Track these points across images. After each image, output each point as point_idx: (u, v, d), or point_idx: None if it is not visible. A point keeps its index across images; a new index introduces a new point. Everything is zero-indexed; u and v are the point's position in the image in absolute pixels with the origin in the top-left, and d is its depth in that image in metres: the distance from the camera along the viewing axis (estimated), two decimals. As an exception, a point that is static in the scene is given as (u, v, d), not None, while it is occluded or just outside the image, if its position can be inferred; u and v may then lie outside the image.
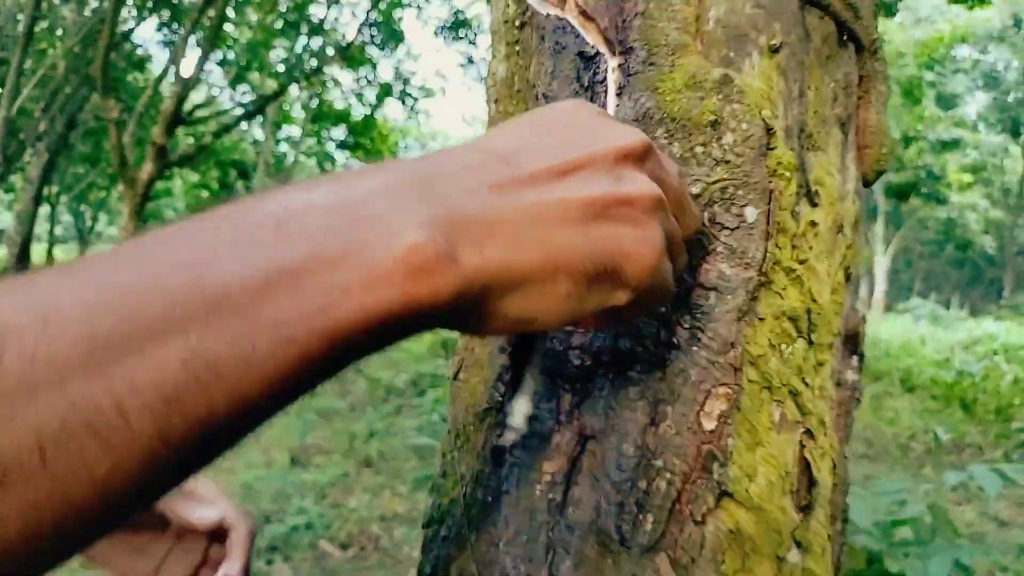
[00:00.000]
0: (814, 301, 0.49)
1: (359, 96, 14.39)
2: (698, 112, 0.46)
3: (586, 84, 0.49)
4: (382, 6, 11.00)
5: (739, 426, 0.45)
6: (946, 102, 20.96)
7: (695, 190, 0.45)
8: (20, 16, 12.14)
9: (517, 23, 0.59)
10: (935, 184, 17.20)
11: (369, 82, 13.77)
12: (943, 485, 2.84)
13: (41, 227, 22.70)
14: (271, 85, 12.30)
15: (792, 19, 0.49)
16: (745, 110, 0.45)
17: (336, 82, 14.28)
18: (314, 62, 10.75)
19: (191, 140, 13.21)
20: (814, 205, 0.49)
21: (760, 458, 0.45)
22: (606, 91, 0.48)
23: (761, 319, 0.46)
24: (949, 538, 2.68)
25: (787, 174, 0.47)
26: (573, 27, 0.50)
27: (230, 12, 11.56)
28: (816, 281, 0.49)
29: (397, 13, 11.94)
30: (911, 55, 12.70)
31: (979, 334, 12.83)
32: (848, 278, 0.53)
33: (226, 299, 0.25)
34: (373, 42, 11.56)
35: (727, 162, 0.45)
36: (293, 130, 16.09)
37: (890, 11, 8.55)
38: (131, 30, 12.16)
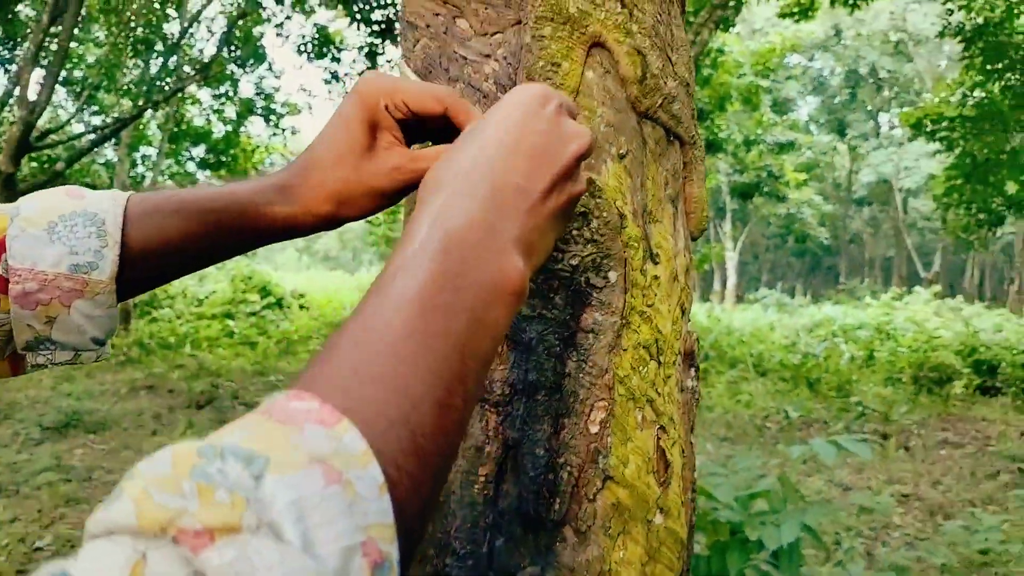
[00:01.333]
0: (660, 333, 0.68)
1: (219, 113, 13.93)
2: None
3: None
4: (241, 23, 10.72)
5: (614, 428, 0.63)
6: (781, 107, 22.94)
7: (574, 262, 0.63)
8: None
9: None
10: (775, 183, 18.82)
11: (230, 99, 13.37)
12: (791, 459, 3.20)
13: None
14: (125, 105, 11.70)
15: (632, 132, 0.68)
16: (605, 203, 0.64)
17: (195, 100, 13.76)
18: (171, 82, 10.32)
19: (39, 165, 12.37)
20: (656, 263, 0.69)
21: (630, 450, 0.64)
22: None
23: (624, 350, 0.65)
24: (798, 505, 3.03)
25: (635, 244, 0.66)
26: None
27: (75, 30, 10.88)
28: (661, 318, 0.68)
29: (257, 30, 11.67)
30: (748, 64, 13.86)
31: (820, 318, 14.05)
32: (684, 312, 0.73)
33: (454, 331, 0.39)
34: (233, 59, 11.26)
35: (595, 241, 0.64)
36: (149, 150, 15.35)
37: (727, 25, 9.32)
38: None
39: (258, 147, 15.05)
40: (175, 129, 13.55)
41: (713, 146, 13.30)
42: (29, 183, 7.85)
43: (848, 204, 36.15)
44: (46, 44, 7.32)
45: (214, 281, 16.67)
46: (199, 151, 15.07)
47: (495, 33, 0.70)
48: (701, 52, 8.09)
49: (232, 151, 14.46)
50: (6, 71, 12.20)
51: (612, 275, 0.64)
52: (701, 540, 3.23)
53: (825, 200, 30.79)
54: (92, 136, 9.12)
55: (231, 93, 13.40)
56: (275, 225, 0.58)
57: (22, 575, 3.95)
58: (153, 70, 10.73)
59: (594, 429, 0.62)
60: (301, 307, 15.95)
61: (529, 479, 0.61)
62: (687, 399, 0.74)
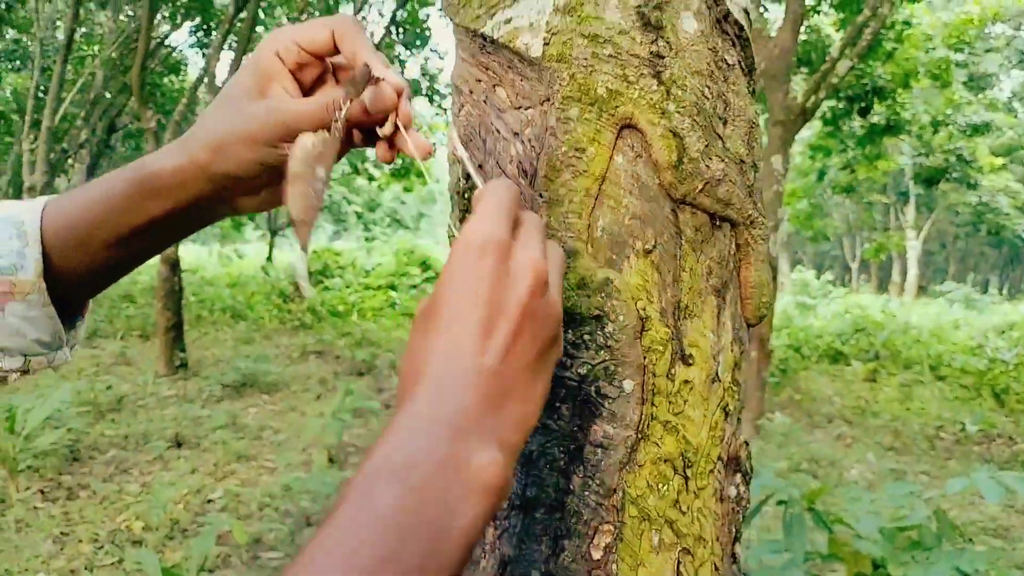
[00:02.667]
0: (688, 443, 0.62)
1: (387, 94, 14.50)
2: (585, 307, 0.59)
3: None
4: (408, 6, 11.10)
5: (622, 552, 0.58)
6: (978, 82, 20.34)
7: (583, 371, 0.59)
8: (59, 22, 12.53)
9: (465, 196, 0.73)
10: (965, 168, 16.74)
11: (397, 80, 13.87)
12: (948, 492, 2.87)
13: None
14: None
15: (664, 222, 0.62)
16: (622, 305, 0.58)
17: (365, 81, 14.40)
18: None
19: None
20: (689, 365, 0.62)
21: None
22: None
23: (640, 466, 0.59)
24: (955, 542, 2.73)
25: (660, 348, 0.60)
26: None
27: (260, 14, 11.80)
28: (692, 427, 0.62)
29: (423, 12, 12.06)
30: (940, 37, 12.41)
31: (1016, 318, 12.57)
32: (728, 414, 0.66)
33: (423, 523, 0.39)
34: (400, 40, 11.70)
35: (608, 347, 0.58)
36: (325, 130, 16.30)
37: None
38: (166, 36, 12.48)
39: (422, 127, 15.63)
40: (347, 109, 14.29)
41: (894, 127, 12.14)
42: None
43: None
44: (234, 27, 7.98)
45: (380, 254, 17.61)
46: (368, 131, 15.83)
47: (527, 108, 0.65)
48: (881, 27, 7.38)
49: (399, 131, 15.06)
50: (204, 56, 13.43)
51: (627, 384, 0.59)
52: (839, 569, 3.00)
53: (1027, 187, 27.36)
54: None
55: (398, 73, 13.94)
56: (166, 180, 0.56)
57: (198, 527, 4.40)
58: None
59: (597, 555, 0.57)
60: (458, 282, 16.44)
61: (523, 602, 0.57)
62: (729, 509, 0.67)
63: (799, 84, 10.43)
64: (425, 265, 16.30)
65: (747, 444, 0.68)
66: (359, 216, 20.58)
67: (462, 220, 0.75)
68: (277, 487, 5.06)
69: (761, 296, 0.68)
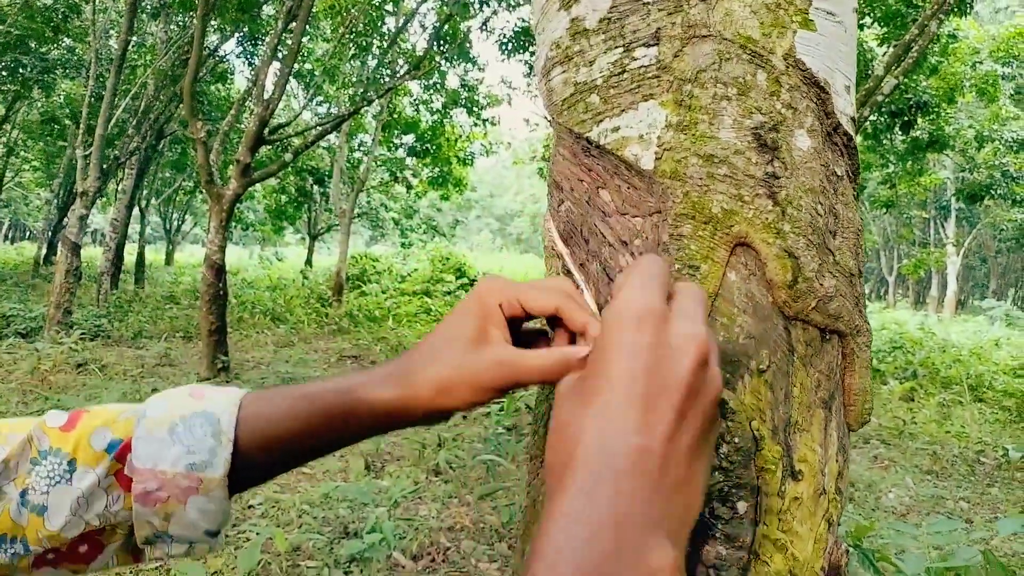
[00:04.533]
0: (796, 560, 0.62)
1: (426, 104, 14.74)
2: (701, 428, 0.60)
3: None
4: (451, 22, 11.21)
5: (731, 671, 0.59)
6: None
7: (697, 492, 0.59)
8: (113, 32, 12.86)
9: (563, 267, 0.74)
10: (1011, 185, 16.28)
11: (437, 90, 14.09)
12: (1000, 533, 2.81)
13: (132, 227, 24.07)
14: (345, 96, 12.75)
15: (778, 341, 0.63)
16: (736, 427, 0.59)
17: (406, 91, 14.66)
18: (387, 75, 11.08)
19: (273, 152, 13.83)
20: (798, 480, 0.63)
21: None
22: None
23: (751, 585, 0.60)
24: (1005, 586, 2.68)
25: (772, 467, 0.61)
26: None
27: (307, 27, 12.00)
28: (799, 541, 0.63)
29: (464, 25, 12.16)
30: (986, 50, 12.13)
31: (1061, 338, 12.23)
32: (830, 524, 0.66)
33: None
34: (441, 54, 11.82)
35: (723, 468, 0.59)
36: (365, 137, 16.58)
37: (965, 9, 8.27)
38: (216, 46, 12.76)
39: (460, 136, 15.76)
40: (388, 118, 14.52)
41: (938, 142, 11.89)
42: (262, 169, 8.79)
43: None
44: (283, 40, 8.12)
45: (416, 260, 17.74)
46: (408, 139, 16.06)
47: (635, 216, 0.67)
48: (928, 43, 7.25)
49: (437, 140, 15.26)
50: (251, 65, 13.70)
51: (741, 505, 0.60)
52: (885, 608, 2.96)
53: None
54: (316, 130, 10.00)
55: (439, 85, 14.11)
56: (378, 410, 0.59)
57: (239, 533, 4.47)
58: (371, 64, 11.55)
59: (709, 676, 0.58)
60: (492, 289, 16.51)
61: None
62: (829, 617, 0.67)
63: (843, 98, 10.26)
64: (459, 272, 16.39)
65: (848, 552, 0.69)
66: (396, 222, 20.81)
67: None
68: (316, 494, 5.12)
69: (864, 402, 0.69)
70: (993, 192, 16.75)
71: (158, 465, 0.56)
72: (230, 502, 0.59)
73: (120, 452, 0.57)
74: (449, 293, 15.66)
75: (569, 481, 0.40)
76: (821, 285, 0.63)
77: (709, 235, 0.62)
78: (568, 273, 0.75)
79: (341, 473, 5.78)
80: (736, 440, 0.59)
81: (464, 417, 7.45)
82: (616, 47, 0.70)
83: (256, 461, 0.59)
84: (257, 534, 4.11)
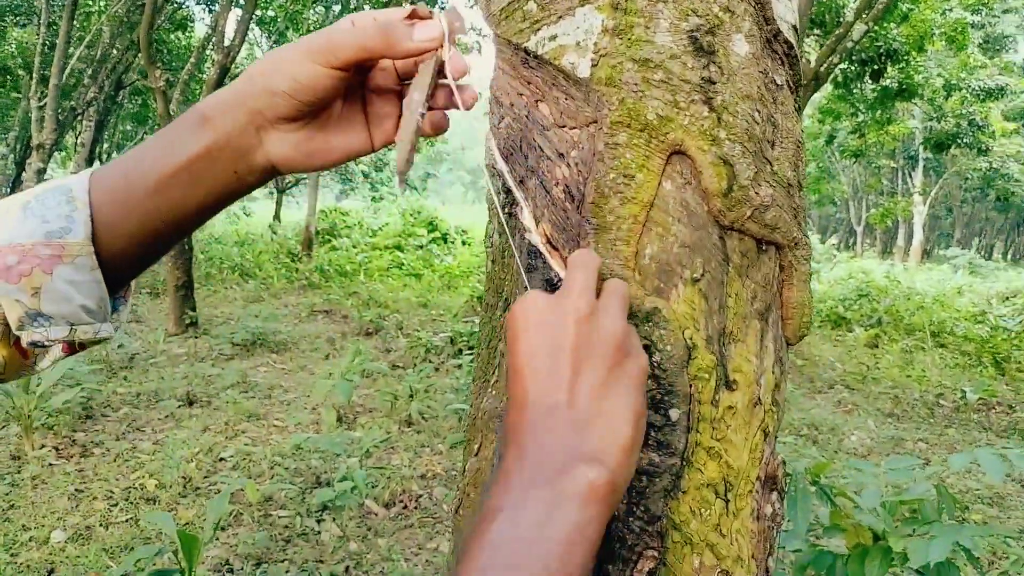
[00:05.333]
0: (730, 468, 0.62)
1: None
2: (633, 337, 0.59)
3: (550, 303, 0.63)
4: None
5: None
6: (994, 44, 19.81)
7: (630, 400, 0.59)
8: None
9: (507, 211, 0.73)
10: (977, 134, 16.41)
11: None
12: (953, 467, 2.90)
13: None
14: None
15: (712, 249, 0.62)
16: (669, 335, 0.59)
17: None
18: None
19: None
20: (732, 390, 0.63)
21: (681, 596, 0.60)
22: (566, 310, 0.62)
23: (684, 492, 0.60)
24: (955, 515, 2.78)
25: (706, 376, 0.61)
26: (541, 252, 0.63)
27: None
28: (734, 451, 0.63)
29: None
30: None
31: (1019, 285, 12.52)
32: (767, 435, 0.67)
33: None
34: (408, -2, 11.51)
35: (655, 376, 0.59)
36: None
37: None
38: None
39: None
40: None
41: (907, 91, 11.92)
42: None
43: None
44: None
45: (387, 214, 17.57)
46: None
47: (572, 128, 0.65)
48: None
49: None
50: (211, 11, 13.24)
51: (674, 413, 0.59)
52: (841, 541, 3.06)
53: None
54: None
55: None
56: (208, 110, 0.57)
57: (210, 485, 4.47)
58: (335, 9, 11.22)
59: (640, 578, 0.59)
60: (464, 243, 16.46)
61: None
62: (764, 527, 0.68)
63: (811, 45, 10.24)
64: (431, 226, 16.27)
65: (784, 463, 0.69)
66: (365, 176, 20.49)
67: (500, 234, 0.75)
68: (287, 446, 5.14)
69: (802, 316, 0.69)
70: (960, 141, 16.89)
71: (14, 240, 0.53)
72: (100, 274, 0.56)
73: None
74: (421, 247, 15.56)
75: (512, 436, 0.51)
76: (757, 194, 0.62)
77: (644, 143, 0.61)
78: (508, 192, 0.73)
79: (313, 425, 5.79)
80: (669, 348, 0.59)
81: (436, 369, 7.48)
82: (553, -49, 0.67)
83: (116, 222, 0.56)
84: (228, 485, 4.12)
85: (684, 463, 0.60)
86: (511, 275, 0.72)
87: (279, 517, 4.19)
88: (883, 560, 2.76)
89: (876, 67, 10.88)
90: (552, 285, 0.63)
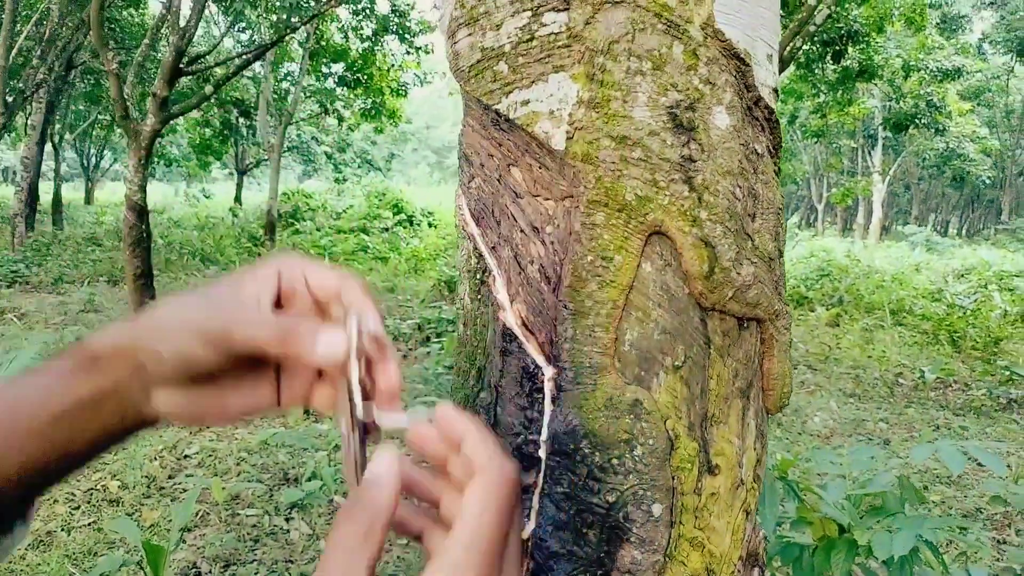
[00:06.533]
0: (713, 556, 0.61)
1: (356, 31, 14.10)
2: (615, 430, 0.57)
3: (527, 391, 0.60)
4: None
5: (646, 671, 0.58)
6: (950, 23, 20.10)
7: (611, 498, 0.57)
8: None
9: (478, 278, 0.70)
10: (935, 114, 16.67)
11: (366, 16, 13.45)
12: (914, 460, 2.97)
13: (46, 165, 22.73)
14: (269, 23, 12.11)
15: (694, 334, 0.59)
16: (651, 427, 0.57)
17: (334, 17, 13.98)
18: (313, 0, 10.51)
19: (195, 83, 13.11)
20: (714, 475, 0.61)
21: None
22: (543, 399, 0.59)
23: (666, 585, 0.58)
24: (917, 507, 2.84)
25: (688, 465, 0.58)
26: (517, 336, 0.60)
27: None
28: (717, 537, 0.61)
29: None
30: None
31: (974, 261, 12.83)
32: (748, 514, 0.65)
33: None
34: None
35: (637, 471, 0.57)
36: (292, 66, 15.85)
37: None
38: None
39: (393, 66, 15.20)
40: (316, 46, 13.88)
41: (867, 72, 12.06)
42: (181, 103, 8.33)
43: (1021, 134, 32.12)
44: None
45: (351, 196, 17.34)
46: (338, 68, 15.42)
47: (547, 199, 0.62)
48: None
49: (368, 69, 14.69)
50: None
51: (656, 508, 0.57)
52: (807, 531, 3.12)
53: (992, 130, 27.38)
54: (238, 60, 9.49)
55: (368, 10, 13.49)
56: (97, 350, 0.52)
57: (175, 484, 4.40)
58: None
59: (622, 676, 0.57)
60: (430, 225, 16.34)
61: None
62: (746, 603, 0.67)
63: (777, 28, 10.27)
64: (397, 208, 16.11)
65: (765, 538, 0.68)
66: (329, 157, 20.16)
67: (472, 300, 0.72)
68: (254, 441, 5.07)
69: (783, 387, 0.67)
70: (918, 121, 17.16)
71: None
72: None
73: None
74: (387, 230, 15.40)
75: None
76: (739, 274, 0.60)
77: (623, 224, 0.58)
78: (480, 256, 0.70)
79: (279, 420, 5.72)
80: (651, 442, 0.57)
81: (404, 357, 7.43)
82: (524, 10, 0.64)
83: (3, 462, 0.52)
84: (193, 485, 4.05)
85: (667, 559, 0.58)
86: (482, 343, 0.69)
87: (247, 516, 4.14)
88: (848, 552, 2.82)
89: (837, 48, 10.98)
90: (528, 373, 0.60)
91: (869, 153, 26.74)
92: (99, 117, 19.62)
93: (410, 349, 7.66)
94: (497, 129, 0.66)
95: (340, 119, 16.46)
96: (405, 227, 15.65)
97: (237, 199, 19.89)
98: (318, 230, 15.26)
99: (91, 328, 7.68)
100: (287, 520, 4.12)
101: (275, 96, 14.90)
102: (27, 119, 13.64)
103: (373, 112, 15.41)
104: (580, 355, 0.58)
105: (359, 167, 20.70)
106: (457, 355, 0.74)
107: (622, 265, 0.58)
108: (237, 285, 0.51)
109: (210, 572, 3.53)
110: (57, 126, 17.56)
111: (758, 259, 0.62)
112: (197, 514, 4.10)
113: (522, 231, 0.62)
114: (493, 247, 0.67)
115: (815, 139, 18.21)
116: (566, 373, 0.58)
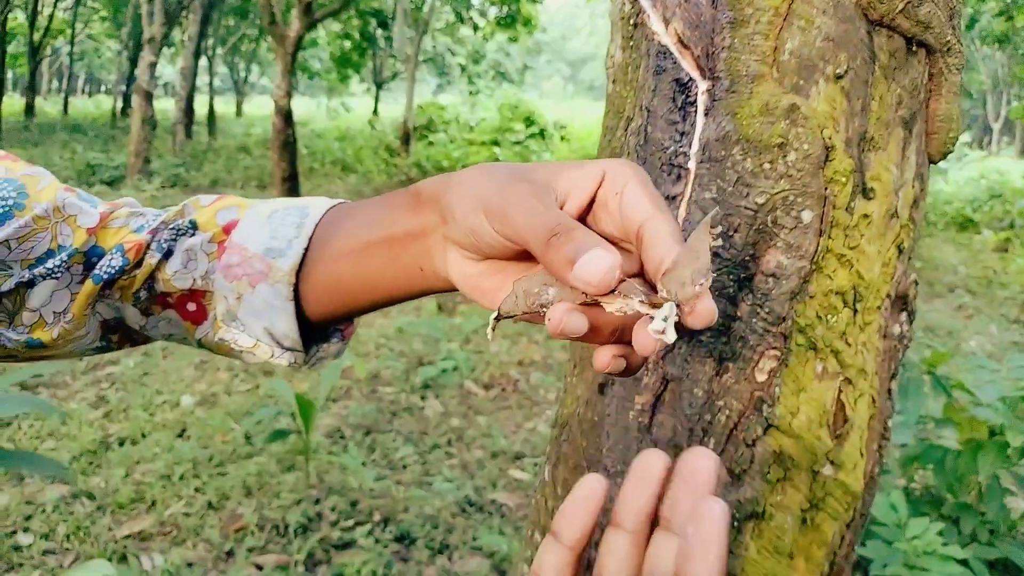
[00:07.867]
0: (861, 278, 0.61)
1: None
2: (768, 135, 0.57)
3: (680, 105, 0.61)
4: None
5: (786, 378, 0.60)
6: None
7: (760, 200, 0.58)
8: None
9: (632, 22, 0.70)
10: None
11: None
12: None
13: (200, 79, 24.19)
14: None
15: (859, 45, 0.58)
16: (807, 133, 0.56)
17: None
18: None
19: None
20: (869, 199, 0.60)
21: (802, 400, 0.60)
22: (696, 111, 0.60)
23: (811, 296, 0.59)
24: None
25: (843, 180, 0.58)
26: (672, 53, 0.61)
27: None
28: (866, 261, 0.61)
29: None
30: None
31: None
32: (901, 251, 0.64)
33: None
34: None
35: (790, 176, 0.57)
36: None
37: None
38: None
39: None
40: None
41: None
42: (323, 8, 8.53)
43: None
44: None
45: (484, 109, 17.40)
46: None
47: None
48: None
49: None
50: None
51: (806, 215, 0.58)
52: (952, 435, 2.97)
53: None
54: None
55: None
56: (422, 196, 0.52)
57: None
58: None
59: (761, 377, 0.59)
60: (562, 139, 16.17)
61: (685, 416, 0.60)
62: (891, 346, 0.67)
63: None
64: (529, 121, 16.02)
65: (916, 283, 0.67)
66: (463, 68, 20.22)
67: (623, 49, 0.72)
68: (391, 329, 5.36)
69: (948, 131, 0.64)
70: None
71: (246, 243, 0.56)
72: (292, 306, 0.55)
73: (227, 225, 0.58)
74: (518, 143, 15.40)
75: None
76: (912, -17, 0.57)
77: (789, -73, 0.56)
78: (634, 1, 0.70)
79: (415, 311, 6.00)
80: (805, 147, 0.57)
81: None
82: None
83: (324, 275, 0.55)
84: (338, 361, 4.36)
85: (813, 268, 0.59)
86: (633, 92, 0.70)
87: (385, 392, 4.43)
88: (999, 454, 2.67)
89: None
90: (682, 86, 0.61)
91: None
92: (246, 34, 20.54)
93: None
94: None
95: (475, 28, 16.37)
96: (537, 140, 15.58)
97: (375, 112, 20.46)
98: (451, 142, 15.48)
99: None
100: (422, 399, 4.38)
101: (412, 5, 14.98)
102: (183, 32, 14.49)
103: (508, 20, 15.20)
104: (737, 63, 0.58)
105: (492, 79, 20.65)
106: (605, 115, 0.75)
107: (786, -31, 0.57)
108: (555, 174, 0.46)
109: (352, 436, 3.84)
110: (210, 40, 18.54)
111: (933, -26, 0.59)
112: (342, 388, 4.43)
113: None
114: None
115: (997, 45, 16.31)
116: (721, 83, 0.59)
